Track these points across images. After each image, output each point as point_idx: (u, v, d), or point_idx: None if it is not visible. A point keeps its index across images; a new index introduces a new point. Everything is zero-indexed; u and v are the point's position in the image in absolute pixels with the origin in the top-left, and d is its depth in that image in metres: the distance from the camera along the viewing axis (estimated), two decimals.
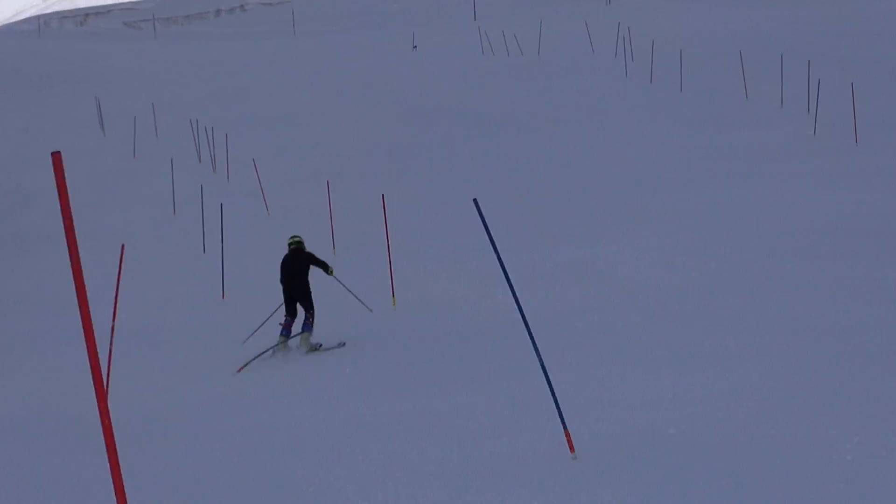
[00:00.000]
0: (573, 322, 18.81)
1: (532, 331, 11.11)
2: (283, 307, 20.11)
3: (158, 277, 28.11)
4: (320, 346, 19.42)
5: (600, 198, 32.97)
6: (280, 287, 20.11)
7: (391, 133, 47.19)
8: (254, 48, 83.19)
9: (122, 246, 15.20)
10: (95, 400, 10.66)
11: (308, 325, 19.44)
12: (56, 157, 6.62)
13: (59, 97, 56.86)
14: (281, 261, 20.12)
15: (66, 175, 6.61)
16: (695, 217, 28.41)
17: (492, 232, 10.65)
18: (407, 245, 25.73)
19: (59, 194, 6.67)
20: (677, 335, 17.07)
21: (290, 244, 20.05)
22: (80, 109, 52.92)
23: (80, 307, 6.95)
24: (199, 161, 43.30)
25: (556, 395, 11.07)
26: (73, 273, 6.87)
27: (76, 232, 6.72)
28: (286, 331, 19.68)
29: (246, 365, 18.33)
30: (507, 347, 16.32)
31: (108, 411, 7.15)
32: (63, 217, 6.69)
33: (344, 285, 21.67)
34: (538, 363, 11.06)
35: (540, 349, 11.13)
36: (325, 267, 20.02)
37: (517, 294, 11.10)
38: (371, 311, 21.72)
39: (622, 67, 58.79)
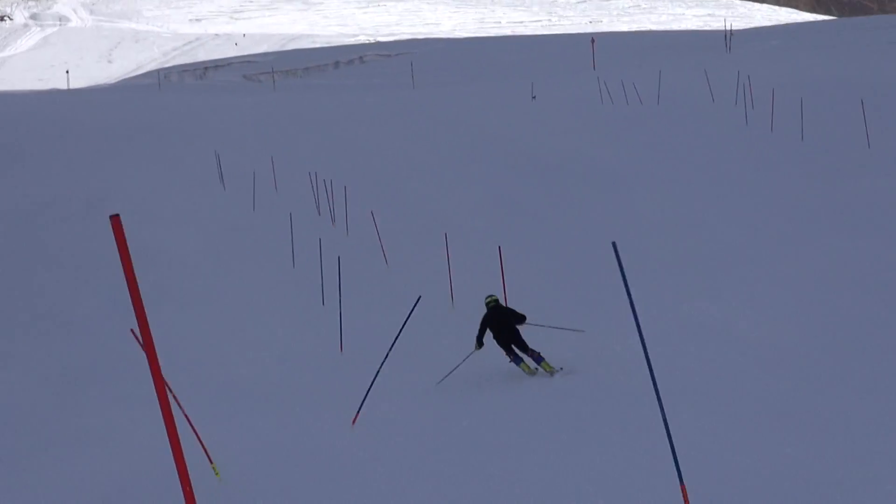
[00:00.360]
0: (693, 377, 18.62)
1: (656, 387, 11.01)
2: (475, 352, 22.05)
3: (277, 330, 28.32)
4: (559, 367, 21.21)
5: (720, 250, 32.61)
6: (475, 342, 21.97)
7: (509, 185, 47.17)
8: (372, 100, 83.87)
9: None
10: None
11: (540, 357, 21.12)
12: (115, 220, 6.68)
13: (179, 151, 57.67)
14: (483, 318, 22.00)
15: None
16: (817, 270, 28.00)
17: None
18: (525, 298, 25.64)
19: (121, 257, 6.73)
20: (804, 395, 16.80)
21: (488, 303, 22.19)
22: (200, 163, 53.59)
23: (153, 376, 6.97)
24: (319, 214, 43.58)
25: (676, 450, 10.94)
26: (143, 338, 6.88)
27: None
28: (517, 359, 21.54)
29: (357, 413, 18.23)
30: (627, 403, 16.15)
31: (192, 494, 7.15)
32: (127, 280, 6.76)
33: (543, 325, 22.74)
34: (660, 418, 10.94)
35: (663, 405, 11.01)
36: (521, 319, 21.64)
37: (646, 349, 11.02)
38: (583, 331, 23.08)
39: (742, 116, 58.31)
